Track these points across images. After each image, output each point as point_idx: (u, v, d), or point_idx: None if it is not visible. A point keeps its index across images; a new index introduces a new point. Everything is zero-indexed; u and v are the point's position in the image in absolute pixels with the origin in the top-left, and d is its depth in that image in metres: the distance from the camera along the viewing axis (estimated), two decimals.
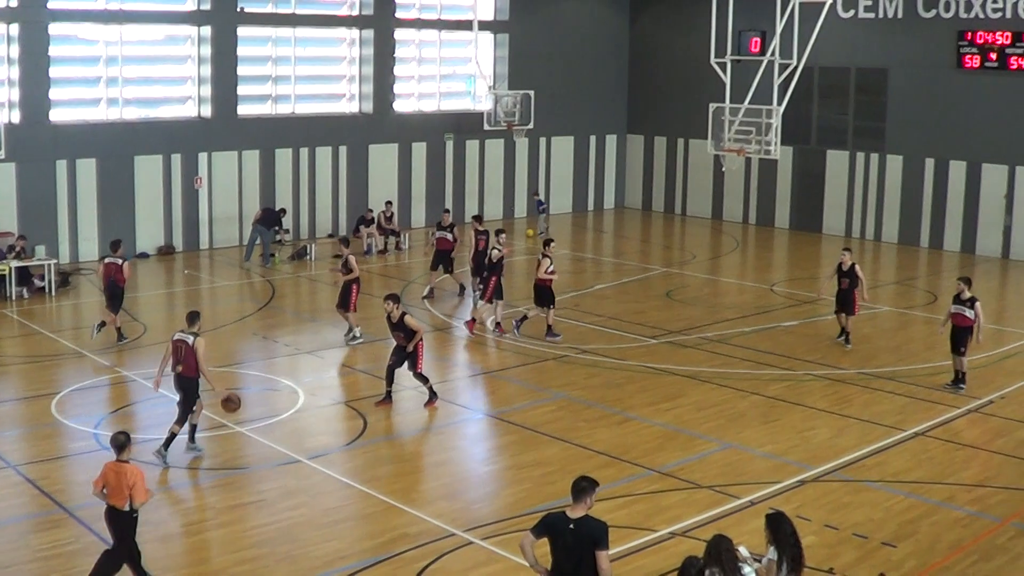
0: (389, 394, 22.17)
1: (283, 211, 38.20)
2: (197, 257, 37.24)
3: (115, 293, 26.41)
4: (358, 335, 26.90)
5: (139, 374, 23.55)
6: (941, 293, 33.86)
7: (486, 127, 43.87)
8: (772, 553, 11.62)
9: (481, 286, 29.35)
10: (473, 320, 28.11)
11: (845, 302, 27.00)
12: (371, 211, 39.73)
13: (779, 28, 33.13)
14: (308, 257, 37.11)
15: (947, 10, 39.96)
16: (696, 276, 36.11)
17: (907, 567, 15.29)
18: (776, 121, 33.22)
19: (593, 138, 49.91)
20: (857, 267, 26.95)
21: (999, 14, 38.64)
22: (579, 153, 49.54)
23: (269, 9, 39.99)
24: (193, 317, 19.18)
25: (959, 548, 15.88)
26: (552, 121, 47.18)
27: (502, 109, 43.89)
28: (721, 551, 11.02)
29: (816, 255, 40.64)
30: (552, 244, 28.19)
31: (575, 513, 11.48)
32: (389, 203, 39.95)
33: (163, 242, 37.34)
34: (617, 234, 45.00)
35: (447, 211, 33.84)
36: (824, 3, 32.74)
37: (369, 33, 42.09)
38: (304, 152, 40.68)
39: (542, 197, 45.23)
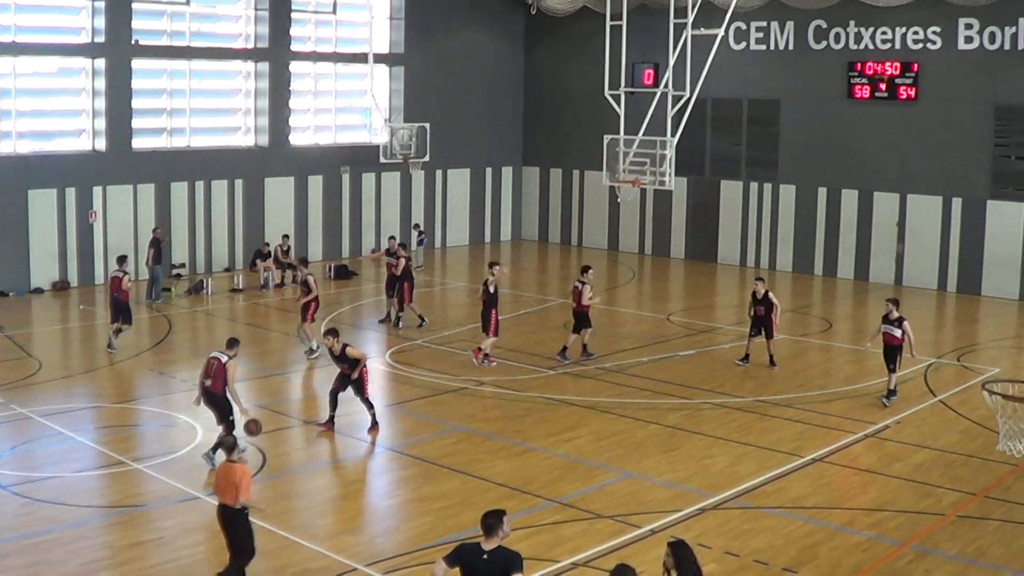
0: (332, 419, 22.39)
1: (156, 229, 36.99)
2: (92, 292, 36.58)
3: (116, 306, 28.41)
4: (315, 347, 27.62)
5: (34, 411, 23.18)
6: (836, 320, 34.35)
7: (382, 160, 43.78)
8: None
9: (400, 313, 31.90)
10: (479, 349, 27.88)
11: (765, 328, 27.83)
12: (268, 244, 39.43)
13: (672, 60, 33.44)
14: (204, 291, 36.72)
15: (837, 41, 40.68)
16: (593, 307, 36.17)
17: None
18: (670, 152, 33.48)
19: (489, 170, 50.01)
20: (771, 294, 28.02)
21: (888, 45, 39.41)
22: (475, 185, 49.62)
23: (164, 42, 39.62)
24: (232, 342, 20.55)
25: (859, 572, 16.06)
26: (448, 153, 47.26)
27: (398, 142, 43.86)
28: None
29: (712, 284, 41.02)
30: (591, 271, 28.97)
31: (489, 545, 11.45)
32: (286, 236, 39.70)
33: (58, 277, 36.80)
34: (514, 266, 45.02)
35: (392, 238, 34.84)
36: (716, 36, 33.12)
37: (264, 66, 41.90)
38: (200, 185, 40.33)
39: (423, 228, 45.25)
